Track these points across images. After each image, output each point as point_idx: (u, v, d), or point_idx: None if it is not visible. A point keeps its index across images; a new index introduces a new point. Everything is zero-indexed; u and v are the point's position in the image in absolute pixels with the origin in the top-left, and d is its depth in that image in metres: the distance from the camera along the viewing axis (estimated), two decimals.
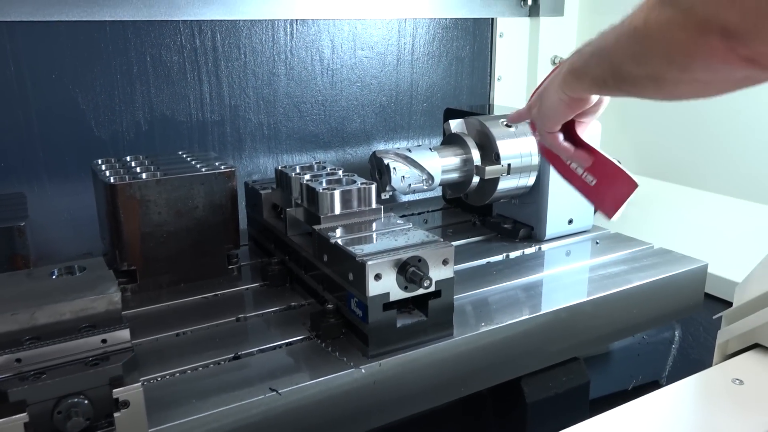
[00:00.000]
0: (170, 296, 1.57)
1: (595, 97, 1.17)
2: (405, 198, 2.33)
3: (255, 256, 1.80)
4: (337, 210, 1.49)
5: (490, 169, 1.80)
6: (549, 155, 1.30)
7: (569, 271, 1.71)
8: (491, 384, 1.47)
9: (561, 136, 1.24)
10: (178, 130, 2.00)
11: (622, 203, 1.23)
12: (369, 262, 1.28)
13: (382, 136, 2.34)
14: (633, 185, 1.21)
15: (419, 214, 2.16)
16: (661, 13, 0.82)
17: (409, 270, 1.30)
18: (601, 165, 1.24)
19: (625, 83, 0.93)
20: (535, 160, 1.84)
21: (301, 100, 2.17)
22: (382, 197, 1.69)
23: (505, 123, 1.83)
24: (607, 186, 1.24)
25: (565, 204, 1.89)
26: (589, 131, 1.27)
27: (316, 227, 1.47)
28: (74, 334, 1.09)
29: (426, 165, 1.77)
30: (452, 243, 1.37)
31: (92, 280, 1.19)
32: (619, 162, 1.27)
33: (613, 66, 0.94)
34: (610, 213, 1.24)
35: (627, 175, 1.22)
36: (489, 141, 1.82)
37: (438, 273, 1.33)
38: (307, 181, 1.57)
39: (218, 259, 1.66)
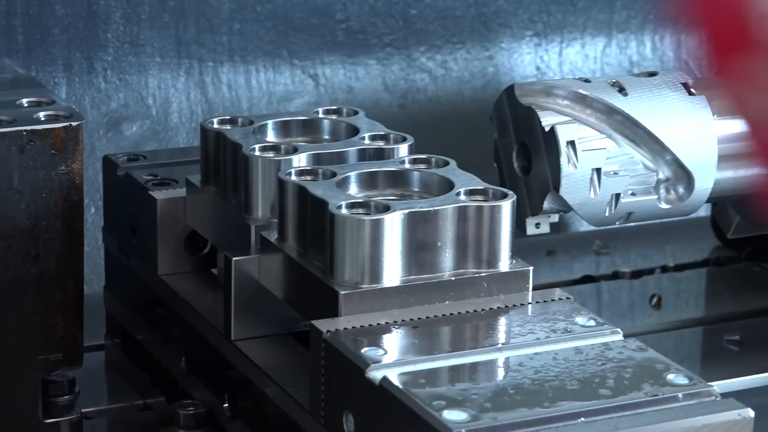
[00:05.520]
0: None
1: None
2: (586, 226, 1.11)
3: (119, 388, 0.89)
4: (393, 275, 0.73)
5: None
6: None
7: None
8: None
9: None
10: None
11: None
12: None
13: (524, 23, 1.10)
14: None
15: (643, 274, 1.05)
16: None
17: None
18: None
19: None
20: None
21: None
22: (530, 230, 0.89)
23: None
24: None
25: None
26: None
27: (318, 325, 0.71)
28: None
29: (670, 136, 0.85)
30: None
31: None
32: None
33: None
34: None
35: None
36: None
37: None
38: (302, 177, 0.79)
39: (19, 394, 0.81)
